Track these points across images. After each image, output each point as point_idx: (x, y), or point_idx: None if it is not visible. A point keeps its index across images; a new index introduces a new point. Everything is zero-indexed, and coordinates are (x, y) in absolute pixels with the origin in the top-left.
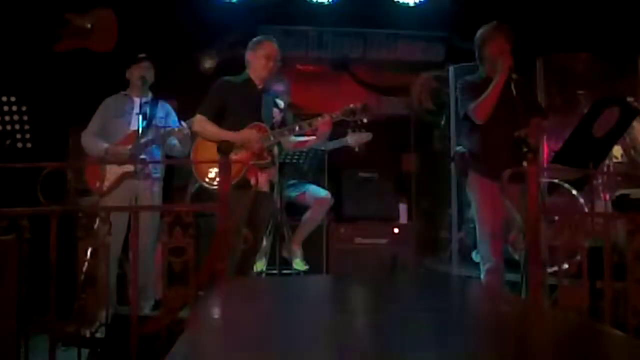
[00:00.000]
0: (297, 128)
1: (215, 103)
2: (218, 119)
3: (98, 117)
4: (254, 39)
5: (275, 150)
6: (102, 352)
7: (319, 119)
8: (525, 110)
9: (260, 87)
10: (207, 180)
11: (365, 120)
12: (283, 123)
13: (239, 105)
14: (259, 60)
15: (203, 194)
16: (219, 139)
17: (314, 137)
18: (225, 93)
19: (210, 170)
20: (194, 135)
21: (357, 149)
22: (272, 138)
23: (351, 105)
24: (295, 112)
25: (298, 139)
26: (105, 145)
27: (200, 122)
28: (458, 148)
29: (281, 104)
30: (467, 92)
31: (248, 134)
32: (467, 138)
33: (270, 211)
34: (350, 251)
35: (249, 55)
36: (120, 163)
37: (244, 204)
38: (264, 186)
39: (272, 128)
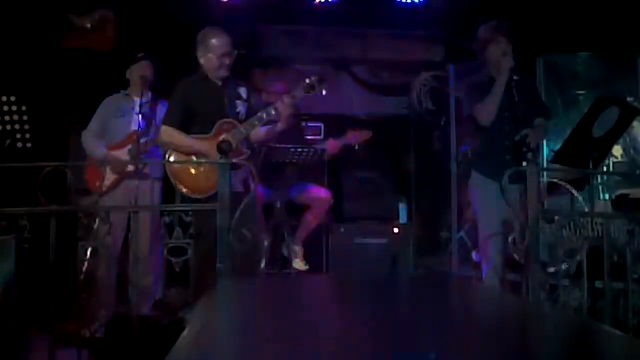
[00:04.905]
0: (264, 116)
1: (179, 109)
2: (185, 124)
3: (98, 117)
4: (200, 38)
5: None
6: (102, 352)
7: (281, 101)
8: (528, 112)
9: (220, 84)
10: (184, 189)
11: (324, 92)
12: (249, 113)
13: (203, 107)
14: (212, 62)
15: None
16: (190, 150)
17: (280, 124)
18: (187, 97)
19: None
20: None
21: (356, 147)
22: (243, 130)
23: (307, 81)
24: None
25: (265, 129)
26: (104, 151)
27: (169, 133)
28: (463, 148)
29: (244, 94)
30: (472, 93)
31: (219, 135)
32: (470, 138)
33: (255, 210)
34: (350, 251)
35: (201, 58)
36: (120, 169)
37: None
38: (238, 187)
39: (240, 121)
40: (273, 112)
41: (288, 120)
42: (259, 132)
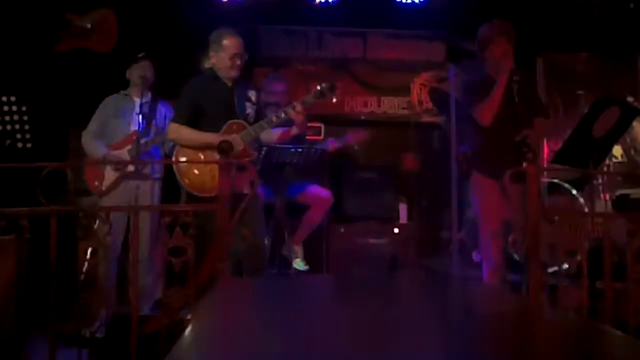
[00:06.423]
0: (274, 119)
1: (188, 107)
2: (193, 122)
3: (98, 117)
4: (213, 37)
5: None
6: (102, 352)
7: (292, 107)
8: (527, 111)
9: (230, 84)
10: (188, 184)
11: (334, 100)
12: (258, 116)
13: (212, 106)
14: (224, 61)
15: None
16: (200, 142)
17: (295, 128)
18: (196, 95)
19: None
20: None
21: (356, 147)
22: (252, 133)
23: (318, 87)
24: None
25: (279, 131)
26: (104, 150)
27: (176, 130)
28: (463, 148)
29: (253, 97)
30: (470, 93)
31: (229, 134)
32: (470, 138)
33: (258, 211)
34: (350, 251)
35: (212, 57)
36: (120, 167)
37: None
38: (244, 188)
39: (249, 123)
40: (283, 116)
41: (303, 126)
42: (271, 134)
